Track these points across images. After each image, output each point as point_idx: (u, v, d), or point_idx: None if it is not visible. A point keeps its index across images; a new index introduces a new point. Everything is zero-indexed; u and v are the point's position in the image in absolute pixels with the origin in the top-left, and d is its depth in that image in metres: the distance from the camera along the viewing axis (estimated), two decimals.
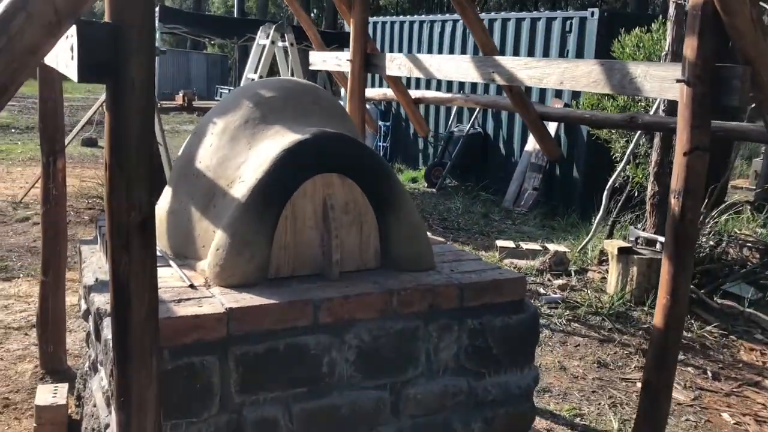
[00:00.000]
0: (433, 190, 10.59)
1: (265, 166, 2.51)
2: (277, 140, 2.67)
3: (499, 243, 6.90)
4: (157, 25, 11.08)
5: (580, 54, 8.81)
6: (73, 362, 4.02)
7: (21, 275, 5.59)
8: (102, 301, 2.57)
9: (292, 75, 7.06)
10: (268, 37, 6.71)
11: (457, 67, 3.45)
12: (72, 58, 1.42)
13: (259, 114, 2.84)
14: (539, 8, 39.97)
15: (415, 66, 3.74)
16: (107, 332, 2.32)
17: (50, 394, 3.28)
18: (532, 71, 2.96)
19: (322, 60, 4.67)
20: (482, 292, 2.66)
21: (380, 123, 11.99)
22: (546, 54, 9.32)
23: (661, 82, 2.33)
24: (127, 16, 1.40)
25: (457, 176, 10.88)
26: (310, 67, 4.90)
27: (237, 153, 2.76)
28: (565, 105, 8.70)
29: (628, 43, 6.93)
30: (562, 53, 9.13)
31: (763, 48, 2.04)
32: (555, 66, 2.84)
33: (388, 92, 4.85)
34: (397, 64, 3.92)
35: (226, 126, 2.84)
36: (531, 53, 9.52)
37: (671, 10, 5.34)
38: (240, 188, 2.56)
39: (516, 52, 9.65)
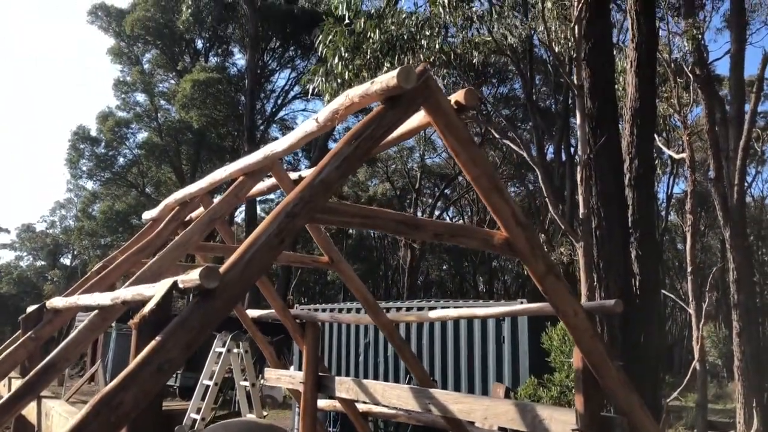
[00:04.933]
0: None
1: None
2: None
3: None
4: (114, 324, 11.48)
5: (515, 343, 9.53)
6: None
7: None
8: None
9: (245, 374, 7.44)
10: (224, 345, 7.21)
11: (398, 395, 3.94)
12: None
13: None
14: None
15: (361, 391, 4.22)
16: None
17: None
18: (462, 405, 3.46)
19: (276, 377, 5.12)
20: None
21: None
22: (484, 345, 10.03)
23: (564, 425, 2.85)
24: None
25: None
26: (263, 382, 5.31)
27: None
28: (507, 390, 9.19)
29: (555, 336, 7.72)
30: (498, 340, 9.86)
31: (633, 402, 2.61)
32: (480, 403, 3.36)
33: (337, 404, 5.26)
34: (345, 387, 4.40)
35: None
36: (470, 344, 10.22)
37: None
38: None
39: (456, 345, 10.34)
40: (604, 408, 2.71)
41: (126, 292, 2.52)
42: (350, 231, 35.93)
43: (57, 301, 3.89)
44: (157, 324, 1.91)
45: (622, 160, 6.57)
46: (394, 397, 3.99)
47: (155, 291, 2.08)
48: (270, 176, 3.92)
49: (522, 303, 9.96)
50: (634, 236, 6.35)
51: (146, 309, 1.96)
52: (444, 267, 45.32)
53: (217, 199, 3.79)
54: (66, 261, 64.57)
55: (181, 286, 1.93)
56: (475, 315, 3.84)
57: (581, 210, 6.45)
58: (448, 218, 42.40)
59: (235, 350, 7.19)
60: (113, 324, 11.53)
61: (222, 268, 1.92)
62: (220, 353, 7.20)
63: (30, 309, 4.29)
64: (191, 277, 1.89)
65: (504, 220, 2.58)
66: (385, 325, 3.80)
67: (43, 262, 68.01)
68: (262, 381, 5.92)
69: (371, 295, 3.92)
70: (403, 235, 2.83)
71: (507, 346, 9.70)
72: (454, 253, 43.57)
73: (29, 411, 3.02)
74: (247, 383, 7.07)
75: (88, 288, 3.86)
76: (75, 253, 59.93)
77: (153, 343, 1.85)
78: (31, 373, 3.01)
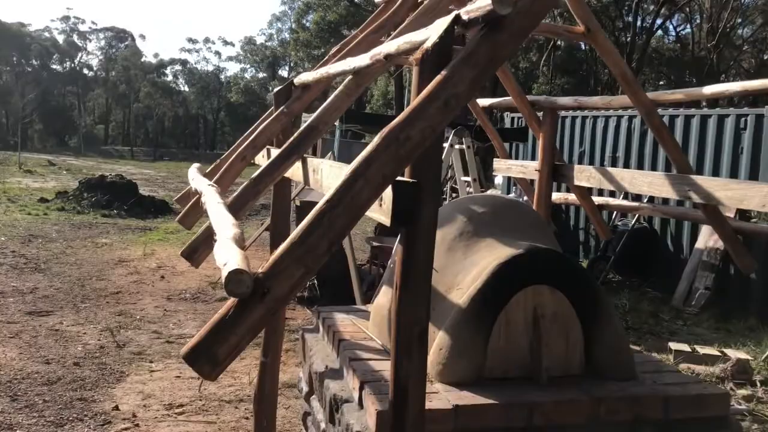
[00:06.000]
0: None
1: (483, 277, 2.83)
2: (491, 252, 3.01)
3: (673, 346, 6.71)
4: (337, 123, 12.20)
5: (756, 152, 8.57)
6: None
7: None
8: (337, 387, 2.98)
9: (468, 174, 7.51)
10: (446, 141, 7.26)
11: (650, 183, 3.65)
12: (380, 205, 1.84)
13: (472, 228, 3.21)
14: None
15: (605, 179, 3.98)
16: (348, 417, 2.70)
17: None
18: (731, 192, 3.10)
19: (507, 167, 5.03)
20: (686, 405, 2.76)
21: None
22: (718, 151, 9.14)
23: None
24: (423, 177, 1.82)
25: (620, 271, 10.69)
26: (494, 173, 5.26)
27: (453, 262, 3.13)
28: None
29: None
30: (736, 151, 8.91)
31: None
32: (756, 189, 2.98)
33: (570, 197, 5.10)
34: (586, 176, 4.18)
35: (444, 237, 3.23)
36: (701, 151, 9.38)
37: None
38: (458, 295, 2.90)
39: (685, 149, 9.53)
40: None
41: (389, 46, 2.43)
42: (559, 42, 33.64)
43: (305, 76, 3.99)
44: (440, 59, 1.79)
45: None
46: (645, 184, 3.71)
47: (430, 33, 1.95)
48: None
49: None
50: None
51: (428, 43, 1.84)
52: (661, 82, 41.35)
53: None
54: (283, 73, 68.73)
55: (465, 17, 1.78)
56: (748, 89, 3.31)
57: None
58: (672, 27, 37.92)
59: (457, 146, 7.22)
60: (336, 124, 12.15)
61: None
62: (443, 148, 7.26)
63: (277, 88, 4.48)
64: (478, 5, 1.71)
65: None
66: (644, 103, 3.44)
67: (264, 74, 73.17)
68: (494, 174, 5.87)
69: (630, 71, 3.52)
70: None
71: (747, 144, 8.72)
72: (673, 67, 39.47)
73: (293, 171, 3.21)
74: (468, 178, 7.13)
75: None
76: (291, 64, 63.46)
77: (438, 77, 1.74)
78: (295, 135, 3.17)
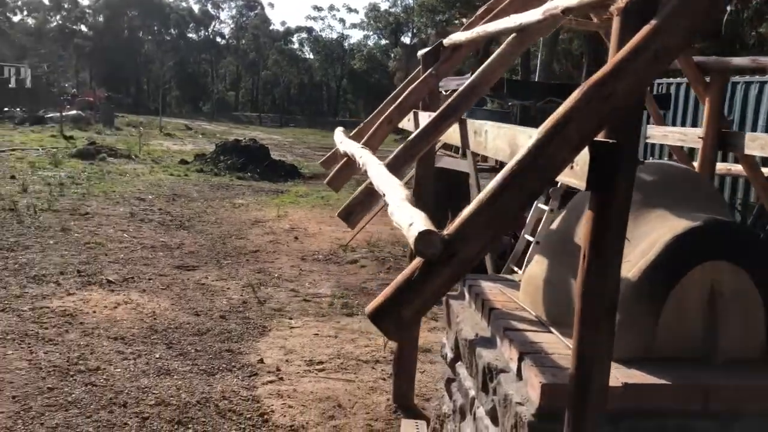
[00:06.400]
0: None
1: (656, 250, 2.64)
2: (662, 224, 2.80)
3: None
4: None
5: None
6: (418, 401, 4.50)
7: (359, 312, 6.39)
8: (491, 356, 2.91)
9: None
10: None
11: None
12: (571, 167, 1.73)
13: (640, 197, 2.99)
14: None
15: None
16: (506, 387, 2.63)
17: (413, 429, 3.73)
18: None
19: (663, 134, 4.70)
20: None
21: None
22: None
23: None
24: (622, 137, 1.68)
25: None
26: (648, 141, 4.94)
27: None
28: None
29: None
30: None
31: None
32: None
33: (733, 167, 4.70)
34: (759, 144, 3.82)
35: None
36: None
37: None
38: (626, 268, 2.73)
39: None
40: None
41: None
42: None
43: (457, 36, 3.88)
44: (647, 7, 1.63)
45: None
46: None
47: None
48: None
49: None
50: None
51: None
52: None
53: None
54: (405, 39, 68.54)
55: None
56: None
57: None
58: None
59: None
60: (486, 97, 11.89)
61: None
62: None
63: (423, 50, 4.40)
64: None
65: None
66: None
67: (386, 41, 73.35)
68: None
69: None
70: None
71: None
72: None
73: (448, 134, 3.14)
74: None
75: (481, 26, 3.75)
76: (414, 30, 63.15)
77: (648, 27, 1.59)
78: (454, 95, 3.08)
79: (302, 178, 17.59)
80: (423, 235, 1.53)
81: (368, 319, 1.61)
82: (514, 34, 2.93)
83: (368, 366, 5.09)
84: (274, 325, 5.91)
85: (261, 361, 5.05)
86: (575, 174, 1.74)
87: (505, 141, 2.38)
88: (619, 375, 2.46)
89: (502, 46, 2.97)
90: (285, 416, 4.18)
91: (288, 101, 76.59)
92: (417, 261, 1.60)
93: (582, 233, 1.84)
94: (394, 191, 2.14)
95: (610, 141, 1.68)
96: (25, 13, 70.23)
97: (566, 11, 2.31)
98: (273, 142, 28.29)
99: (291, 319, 6.12)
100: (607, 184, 1.70)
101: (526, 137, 2.12)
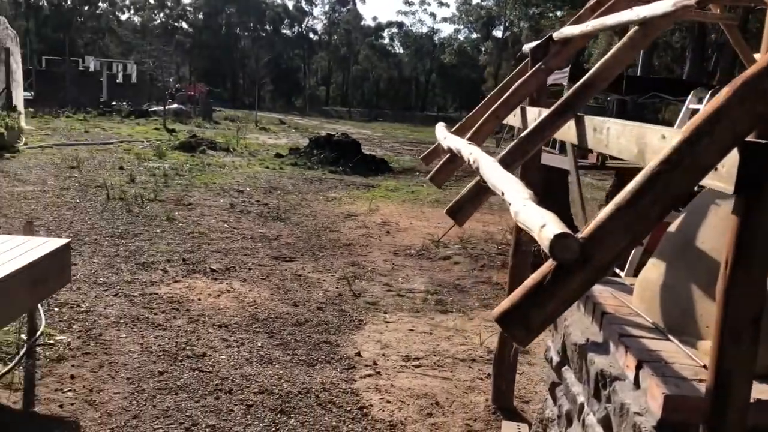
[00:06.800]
0: None
1: None
2: None
3: None
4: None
5: None
6: (516, 403, 4.42)
7: (453, 310, 6.35)
8: (604, 363, 2.81)
9: None
10: (699, 102, 6.56)
11: None
12: (716, 170, 1.62)
13: None
14: None
15: None
16: (622, 396, 2.53)
17: (515, 431, 3.65)
18: None
19: None
20: None
21: None
22: None
23: None
24: None
25: None
26: None
27: None
28: None
29: None
30: None
31: None
32: None
33: None
34: None
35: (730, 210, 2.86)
36: None
37: None
38: None
39: None
40: None
41: None
42: None
43: (568, 30, 3.76)
44: None
45: None
46: None
47: None
48: None
49: None
50: None
51: None
52: None
53: None
54: (497, 33, 67.56)
55: None
56: None
57: None
58: None
59: (692, 106, 6.51)
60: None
61: None
62: (692, 110, 6.59)
63: (529, 45, 4.29)
64: None
65: None
66: None
67: (477, 35, 72.59)
68: None
69: None
70: None
71: None
72: None
73: (563, 131, 3.04)
74: None
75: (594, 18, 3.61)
76: (506, 24, 62.19)
77: None
78: (569, 92, 2.98)
79: (392, 173, 17.68)
80: (559, 239, 1.47)
81: (496, 323, 1.58)
82: (636, 28, 2.79)
83: (464, 365, 5.04)
84: (370, 319, 5.95)
85: (358, 354, 5.10)
86: (720, 176, 1.63)
87: (632, 139, 2.27)
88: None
89: (623, 41, 2.84)
90: (384, 411, 4.20)
91: (377, 96, 77.21)
92: (548, 265, 1.54)
93: (726, 239, 1.73)
94: (515, 190, 2.09)
95: (763, 141, 1.56)
96: (132, 11, 74.26)
97: (701, 3, 2.18)
98: (363, 136, 28.57)
99: (386, 313, 6.15)
100: (756, 187, 1.59)
101: (657, 136, 2.02)
